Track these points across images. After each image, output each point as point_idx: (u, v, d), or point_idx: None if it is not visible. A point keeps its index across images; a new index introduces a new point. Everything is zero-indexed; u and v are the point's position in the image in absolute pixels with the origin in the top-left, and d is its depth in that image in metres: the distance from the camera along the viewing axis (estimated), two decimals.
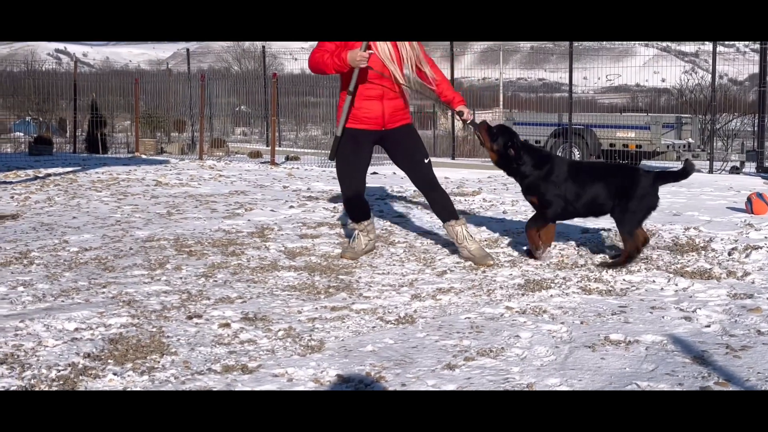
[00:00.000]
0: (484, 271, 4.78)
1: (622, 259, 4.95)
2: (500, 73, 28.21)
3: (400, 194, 8.43)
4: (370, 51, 4.88)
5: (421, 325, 3.69)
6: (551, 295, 4.20)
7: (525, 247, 5.30)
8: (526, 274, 4.70)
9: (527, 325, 3.66)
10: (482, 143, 5.21)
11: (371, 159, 5.26)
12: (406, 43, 5.02)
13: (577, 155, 16.43)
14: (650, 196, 5.00)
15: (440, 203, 5.17)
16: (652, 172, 5.13)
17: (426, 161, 5.13)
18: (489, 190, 8.83)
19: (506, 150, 5.05)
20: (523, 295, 4.23)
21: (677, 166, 17.42)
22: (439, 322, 3.72)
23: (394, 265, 5.01)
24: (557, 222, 5.22)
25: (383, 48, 4.95)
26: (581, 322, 3.70)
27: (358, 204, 5.24)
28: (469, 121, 5.19)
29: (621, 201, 4.96)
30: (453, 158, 16.98)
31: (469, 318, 3.80)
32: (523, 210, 7.04)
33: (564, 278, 4.58)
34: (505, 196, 8.11)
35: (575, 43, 16.16)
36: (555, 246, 5.47)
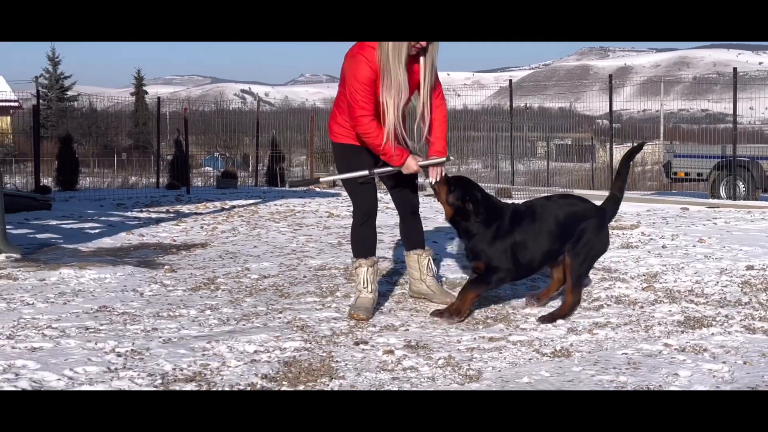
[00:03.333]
0: (642, 307, 4.76)
1: (564, 309, 4.51)
2: (661, 104, 27.15)
3: None
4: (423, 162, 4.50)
5: (577, 359, 3.73)
6: (712, 333, 4.13)
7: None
8: (686, 311, 4.63)
9: (686, 364, 3.62)
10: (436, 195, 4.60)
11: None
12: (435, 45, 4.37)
13: (742, 188, 15.72)
14: (604, 235, 4.54)
15: (416, 229, 4.93)
16: (602, 207, 4.57)
17: (416, 182, 4.82)
18: (648, 223, 8.64)
19: (463, 204, 4.46)
20: (682, 332, 4.19)
21: None
22: (595, 357, 3.76)
23: (551, 297, 5.08)
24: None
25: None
26: (744, 363, 3.62)
27: (369, 229, 4.77)
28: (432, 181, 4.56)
29: (575, 244, 4.45)
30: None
31: (626, 354, 3.80)
32: (683, 245, 6.87)
33: (726, 316, 4.49)
34: (664, 230, 7.93)
35: (740, 72, 15.45)
36: (717, 283, 5.34)
